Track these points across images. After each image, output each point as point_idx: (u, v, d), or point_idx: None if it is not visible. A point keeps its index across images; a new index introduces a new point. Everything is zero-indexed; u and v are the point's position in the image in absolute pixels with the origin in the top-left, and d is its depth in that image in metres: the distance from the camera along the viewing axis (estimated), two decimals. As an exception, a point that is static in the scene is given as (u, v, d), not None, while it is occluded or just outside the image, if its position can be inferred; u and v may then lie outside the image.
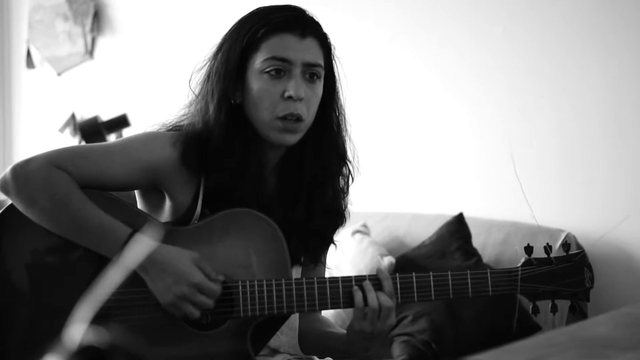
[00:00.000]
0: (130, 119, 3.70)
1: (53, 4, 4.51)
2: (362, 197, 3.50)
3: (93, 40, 4.40)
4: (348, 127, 1.75)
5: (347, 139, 1.75)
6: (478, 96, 3.32)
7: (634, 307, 1.36)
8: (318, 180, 1.70)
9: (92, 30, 4.39)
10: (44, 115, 4.57)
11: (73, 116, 4.38)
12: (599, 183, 3.07)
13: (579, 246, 2.98)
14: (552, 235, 2.87)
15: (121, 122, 3.68)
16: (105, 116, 3.82)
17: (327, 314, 2.88)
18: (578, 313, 2.90)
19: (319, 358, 1.81)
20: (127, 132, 3.69)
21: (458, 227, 3.03)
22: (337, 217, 1.75)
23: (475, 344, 2.74)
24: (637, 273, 3.01)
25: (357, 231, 3.16)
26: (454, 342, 2.77)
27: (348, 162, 1.75)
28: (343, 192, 1.76)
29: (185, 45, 3.95)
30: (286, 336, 1.76)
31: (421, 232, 3.15)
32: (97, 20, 4.39)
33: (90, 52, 4.41)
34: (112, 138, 3.69)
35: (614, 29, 3.06)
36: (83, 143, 3.71)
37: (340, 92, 1.74)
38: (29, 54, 4.60)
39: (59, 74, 4.50)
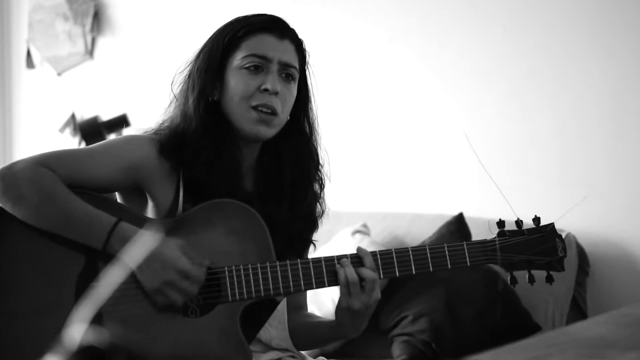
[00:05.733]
0: (130, 119, 3.70)
1: (53, 4, 4.50)
2: (362, 197, 3.54)
3: (93, 40, 4.40)
4: (319, 136, 1.84)
5: (318, 146, 1.83)
6: (478, 96, 3.32)
7: (634, 307, 1.37)
8: (298, 183, 1.78)
9: (92, 30, 4.39)
10: (44, 115, 4.56)
11: (73, 116, 4.38)
12: (599, 183, 3.07)
13: (579, 246, 2.99)
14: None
15: (121, 122, 3.69)
16: (105, 116, 3.83)
17: (328, 311, 2.88)
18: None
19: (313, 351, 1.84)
20: (127, 133, 3.69)
21: (458, 227, 3.03)
22: (314, 220, 1.83)
23: (475, 344, 2.74)
24: (637, 273, 3.01)
25: (357, 231, 3.16)
26: (454, 342, 2.77)
27: (320, 169, 1.83)
28: (317, 197, 1.83)
29: (185, 45, 3.95)
30: (276, 329, 1.80)
31: (421, 232, 3.15)
32: (97, 20, 4.39)
33: (90, 52, 4.41)
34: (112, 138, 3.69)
35: (614, 29, 3.06)
36: (83, 143, 3.71)
37: (313, 101, 1.83)
38: (29, 54, 4.59)
39: (59, 74, 4.50)
